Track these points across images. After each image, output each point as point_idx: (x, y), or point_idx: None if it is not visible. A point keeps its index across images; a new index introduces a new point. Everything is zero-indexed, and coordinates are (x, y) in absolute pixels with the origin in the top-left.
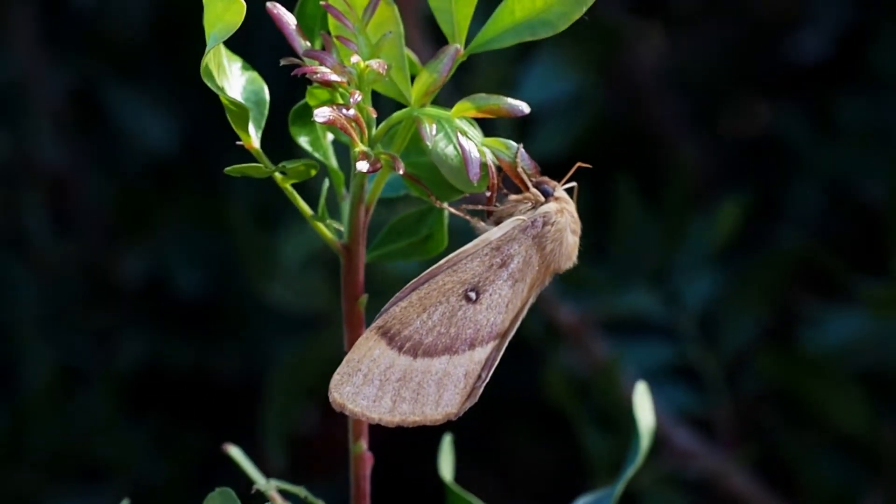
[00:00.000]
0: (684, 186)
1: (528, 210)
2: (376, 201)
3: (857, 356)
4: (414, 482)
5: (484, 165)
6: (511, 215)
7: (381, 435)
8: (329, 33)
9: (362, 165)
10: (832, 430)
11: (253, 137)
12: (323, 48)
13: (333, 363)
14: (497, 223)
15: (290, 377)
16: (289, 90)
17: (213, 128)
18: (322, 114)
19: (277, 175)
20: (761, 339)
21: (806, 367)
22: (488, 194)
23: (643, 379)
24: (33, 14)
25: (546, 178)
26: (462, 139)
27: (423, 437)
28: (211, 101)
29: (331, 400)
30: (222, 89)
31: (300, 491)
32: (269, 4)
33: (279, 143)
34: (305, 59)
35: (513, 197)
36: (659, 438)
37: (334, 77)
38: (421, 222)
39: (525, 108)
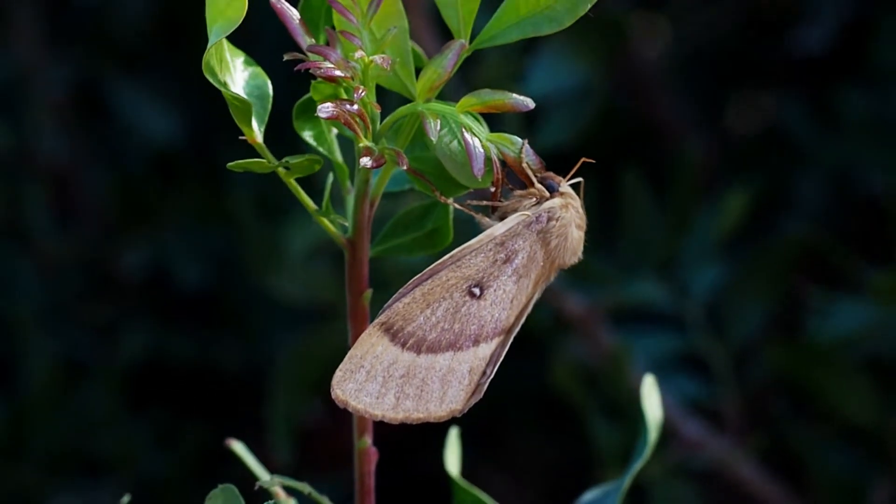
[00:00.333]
0: (690, 177)
1: (533, 205)
2: (381, 196)
3: (865, 345)
4: (420, 476)
5: (488, 161)
6: (516, 211)
7: (387, 429)
8: (333, 28)
9: (366, 161)
10: (840, 419)
11: (256, 132)
12: (327, 43)
13: (338, 356)
14: (501, 219)
15: (295, 370)
16: (293, 85)
17: (215, 121)
18: (326, 109)
19: (281, 170)
20: (768, 328)
21: (813, 356)
22: (493, 190)
23: (651, 369)
24: (36, 8)
25: (551, 174)
26: (466, 134)
27: (429, 431)
28: (213, 95)
29: (333, 397)
30: (225, 84)
31: (304, 487)
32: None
33: (283, 137)
34: (309, 54)
35: (517, 192)
36: (667, 428)
37: (338, 72)
38: (426, 217)
39: (530, 103)
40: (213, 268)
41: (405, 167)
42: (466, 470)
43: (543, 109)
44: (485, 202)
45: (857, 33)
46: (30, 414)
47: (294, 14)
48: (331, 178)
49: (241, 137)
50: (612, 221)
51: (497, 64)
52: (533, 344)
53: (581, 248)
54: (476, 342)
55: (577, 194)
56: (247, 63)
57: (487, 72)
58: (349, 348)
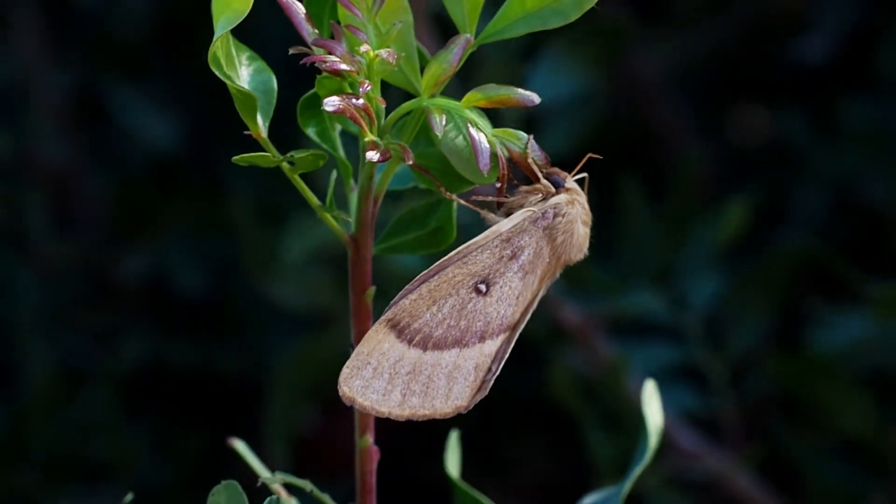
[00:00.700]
0: (690, 187)
1: (539, 201)
2: (385, 193)
3: (864, 358)
4: (420, 478)
5: (494, 156)
6: (521, 206)
7: (388, 430)
8: (338, 22)
9: (372, 155)
10: (838, 432)
11: (261, 127)
12: (332, 37)
13: (337, 362)
14: (507, 215)
15: (293, 376)
16: (295, 80)
17: (215, 127)
18: (332, 103)
19: (285, 165)
20: (767, 340)
21: (812, 368)
22: (498, 185)
23: (648, 380)
24: (36, 12)
25: (557, 169)
26: (472, 130)
27: (430, 433)
28: (214, 100)
29: (340, 393)
30: (230, 78)
31: (305, 485)
32: None
33: (284, 133)
34: (314, 48)
35: (523, 188)
36: (664, 439)
37: (343, 66)
38: (430, 214)
39: (536, 98)
40: (212, 274)
41: (411, 162)
42: (462, 478)
43: (543, 116)
44: (490, 198)
45: (859, 43)
46: (29, 419)
47: (299, 8)
48: (335, 174)
49: (245, 132)
50: (611, 230)
51: (497, 70)
52: (530, 353)
53: (587, 244)
54: (482, 339)
55: (583, 190)
56: (252, 58)
57: (488, 78)
58: (353, 346)
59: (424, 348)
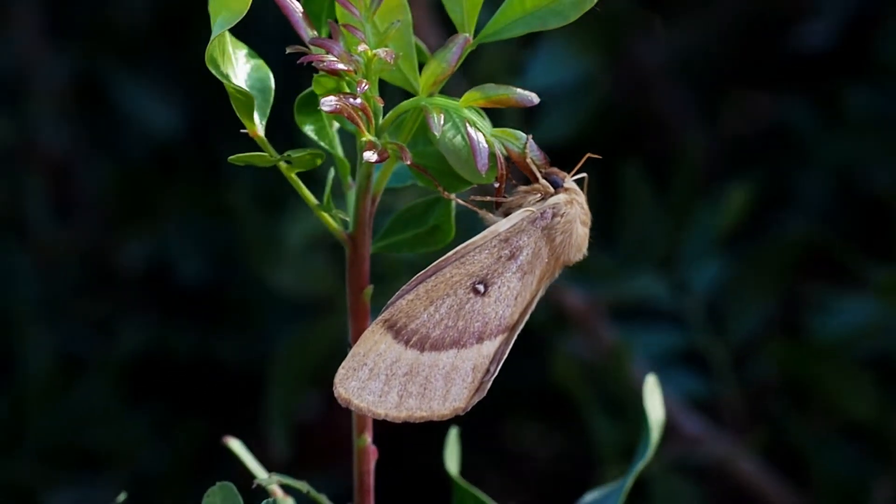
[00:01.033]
0: (692, 173)
1: (538, 201)
2: (382, 191)
3: (866, 343)
4: (420, 475)
5: (493, 156)
6: (520, 206)
7: (386, 428)
8: (336, 21)
9: (370, 155)
10: (841, 417)
11: (258, 126)
12: (330, 36)
13: (336, 349)
14: (506, 214)
15: (293, 363)
16: (294, 78)
17: (216, 114)
18: (329, 102)
19: (282, 164)
20: (769, 325)
21: (815, 353)
22: (497, 185)
23: (651, 365)
24: (37, 0)
25: (556, 169)
26: (470, 129)
27: (429, 430)
28: (214, 88)
29: (336, 395)
30: (227, 77)
31: (302, 486)
32: None
33: (282, 131)
34: (312, 47)
35: (522, 188)
36: (666, 425)
37: (341, 65)
38: (428, 213)
39: (535, 98)
40: (212, 261)
41: (409, 162)
42: (464, 467)
43: (543, 103)
44: (489, 198)
45: (861, 30)
46: (28, 408)
47: (297, 7)
48: (332, 173)
49: (242, 130)
50: (613, 216)
51: (496, 58)
52: (532, 339)
53: (586, 244)
54: (480, 340)
55: (582, 190)
56: (249, 56)
57: (487, 66)
58: (350, 345)
59: (422, 349)
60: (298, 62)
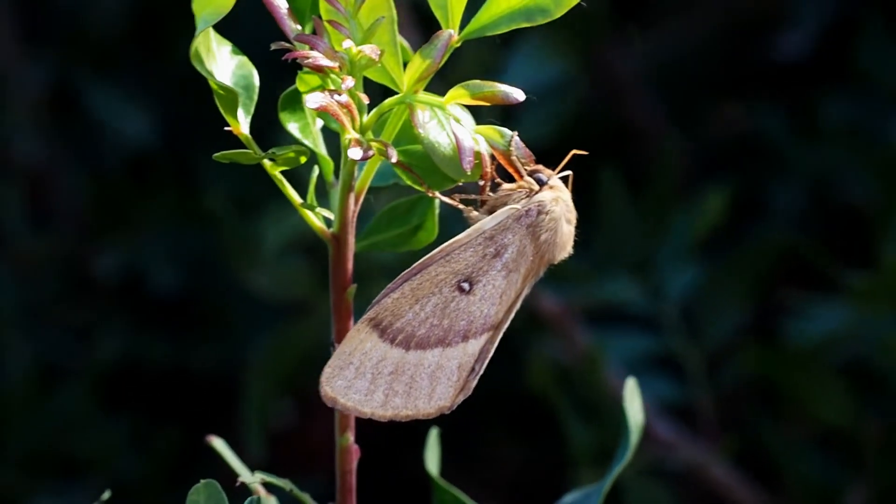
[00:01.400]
0: (668, 178)
1: (523, 199)
2: (366, 189)
3: (841, 348)
4: (400, 476)
5: (477, 154)
6: (505, 204)
7: (368, 428)
8: (320, 17)
9: (354, 153)
10: (815, 422)
11: (242, 123)
12: (314, 33)
13: (312, 353)
14: (490, 212)
15: (269, 367)
16: (278, 76)
17: (190, 121)
18: (314, 99)
19: (266, 162)
20: (744, 331)
21: (789, 359)
22: (481, 183)
23: (625, 370)
24: (10, 7)
25: (540, 167)
26: (455, 127)
27: (410, 430)
28: (189, 95)
29: (322, 394)
30: (211, 73)
31: (285, 484)
32: None
33: (263, 129)
34: (296, 43)
35: (506, 186)
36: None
37: (326, 62)
38: (411, 211)
39: (520, 95)
40: (188, 270)
41: (394, 160)
42: (440, 471)
43: (520, 105)
44: (473, 196)
45: (836, 39)
46: (6, 415)
47: (281, 2)
48: (316, 171)
49: (226, 128)
50: (589, 220)
51: (475, 58)
52: (507, 343)
53: (571, 242)
54: (465, 338)
55: (567, 188)
56: (233, 53)
57: (465, 65)
58: (334, 345)
59: (407, 348)
60: (283, 58)
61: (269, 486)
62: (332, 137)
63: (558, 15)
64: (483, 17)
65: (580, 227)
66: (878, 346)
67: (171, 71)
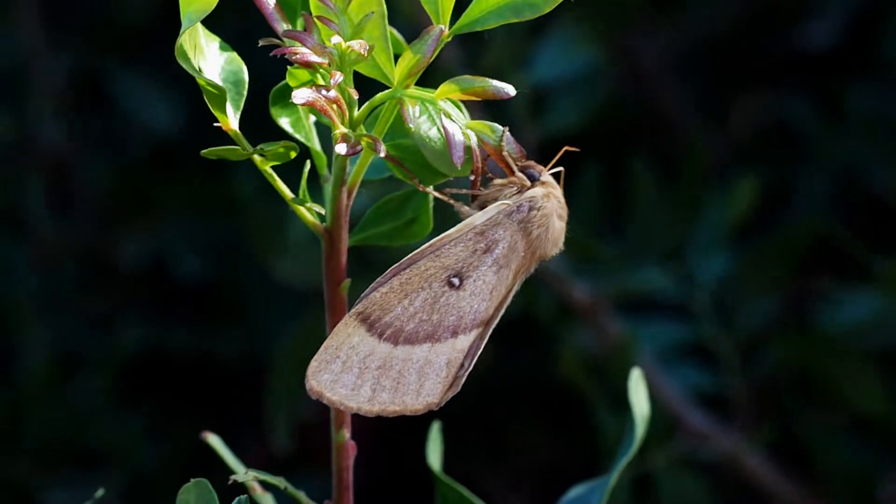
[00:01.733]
0: (698, 166)
1: (514, 194)
2: (359, 184)
3: (874, 336)
4: (404, 472)
5: (468, 149)
6: (496, 200)
7: (369, 424)
8: (310, 13)
9: (341, 148)
10: (849, 410)
11: (231, 119)
12: (304, 28)
13: None
14: (481, 208)
15: (294, 357)
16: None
17: None
18: (301, 95)
19: (257, 157)
20: (776, 319)
21: (822, 346)
22: (472, 178)
23: (658, 359)
24: None
25: (532, 163)
26: (446, 122)
27: (413, 426)
28: None
29: (307, 388)
30: (199, 70)
31: (280, 482)
32: None
33: (261, 123)
34: (285, 39)
35: (498, 181)
36: (674, 419)
37: (315, 58)
38: (405, 205)
39: (511, 90)
40: (212, 258)
41: (382, 154)
42: (465, 462)
43: (551, 93)
44: (464, 191)
45: (864, 28)
46: (25, 405)
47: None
48: (308, 165)
49: (215, 124)
50: (620, 209)
51: (503, 48)
52: (537, 332)
53: (563, 238)
54: (454, 334)
55: (559, 184)
56: (222, 48)
57: (494, 56)
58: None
59: (395, 342)
60: (272, 54)
61: (266, 484)
62: (325, 131)
63: (547, 10)
64: (473, 12)
65: (611, 215)
66: None
67: None
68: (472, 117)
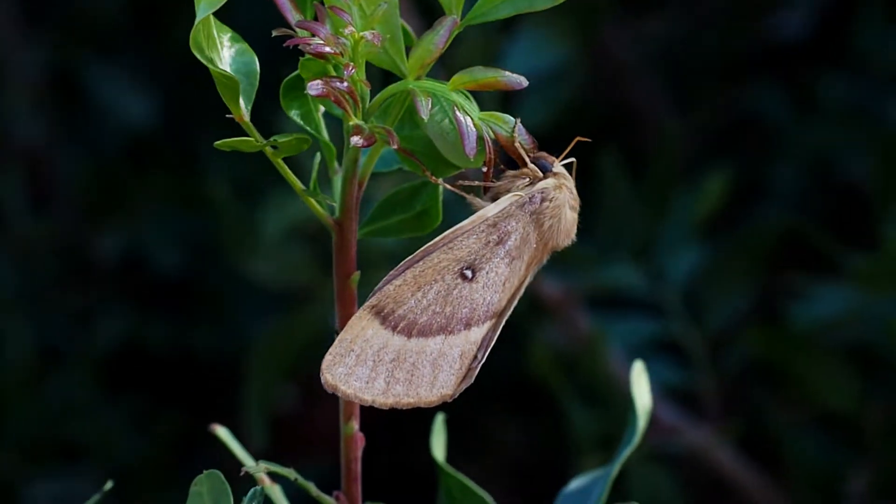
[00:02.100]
0: (669, 162)
1: (526, 186)
2: (369, 176)
3: (844, 331)
4: (406, 463)
5: (480, 139)
6: (508, 191)
7: (373, 416)
8: (322, 3)
9: (356, 140)
10: (818, 406)
11: (243, 110)
12: (316, 19)
13: (314, 339)
14: (494, 199)
15: (270, 354)
16: (280, 62)
17: (191, 104)
18: (315, 86)
19: (268, 149)
20: (746, 314)
21: (792, 342)
22: (485, 169)
23: (627, 354)
24: None
25: (544, 154)
26: (458, 113)
27: (415, 417)
28: (189, 77)
29: (322, 381)
30: (212, 61)
31: (290, 473)
32: None
33: (265, 116)
34: (298, 30)
35: (510, 172)
36: None
37: (327, 49)
38: (414, 198)
39: (524, 81)
40: (189, 253)
41: (396, 146)
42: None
43: (521, 91)
44: (476, 182)
45: (836, 19)
46: (5, 400)
47: None
48: (318, 158)
49: (227, 115)
50: (589, 205)
51: (475, 44)
52: (508, 329)
53: (574, 229)
54: (468, 326)
55: (570, 175)
56: (233, 40)
57: (465, 52)
58: (337, 332)
59: (409, 335)
60: (285, 45)
61: (273, 475)
62: (334, 124)
63: (561, 0)
64: (486, 2)
65: (581, 211)
66: (881, 328)
67: (172, 54)
68: None
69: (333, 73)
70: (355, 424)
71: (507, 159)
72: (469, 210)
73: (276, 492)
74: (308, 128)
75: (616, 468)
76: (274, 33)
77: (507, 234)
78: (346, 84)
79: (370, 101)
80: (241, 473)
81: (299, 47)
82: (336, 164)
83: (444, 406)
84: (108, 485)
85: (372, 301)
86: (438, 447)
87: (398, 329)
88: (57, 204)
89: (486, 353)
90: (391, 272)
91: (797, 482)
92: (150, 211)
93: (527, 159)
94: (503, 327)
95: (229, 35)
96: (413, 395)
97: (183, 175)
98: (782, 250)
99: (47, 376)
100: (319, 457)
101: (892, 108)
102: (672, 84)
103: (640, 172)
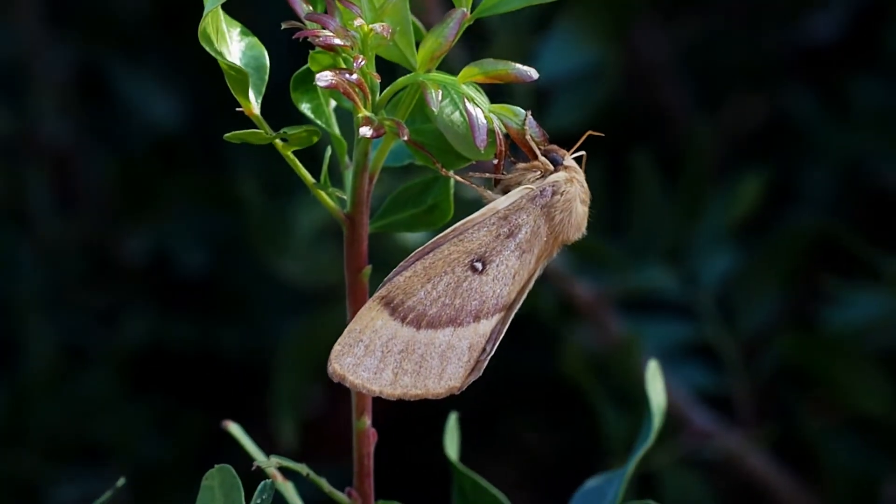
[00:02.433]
0: (702, 163)
1: (537, 179)
2: (380, 170)
3: (878, 335)
4: (420, 462)
5: (491, 132)
6: (519, 184)
7: (387, 413)
8: None
9: (366, 131)
10: (852, 410)
11: (253, 103)
12: (325, 11)
13: None
14: (504, 192)
15: (298, 353)
16: (290, 55)
17: (217, 104)
18: (324, 78)
19: (278, 142)
20: (780, 318)
21: (825, 346)
22: (495, 162)
23: (660, 358)
24: None
25: (555, 147)
26: (469, 105)
27: (429, 414)
28: (216, 77)
29: (330, 371)
30: (221, 54)
31: (302, 468)
32: None
33: (278, 110)
34: (307, 22)
35: (521, 165)
36: (677, 418)
37: (337, 41)
38: (426, 191)
39: (534, 73)
40: (215, 252)
41: (406, 138)
42: (468, 459)
43: (554, 90)
44: (487, 175)
45: (868, 22)
46: (30, 399)
47: None
48: (329, 151)
49: (237, 109)
50: (622, 207)
51: (508, 44)
52: (540, 330)
53: (585, 223)
54: (477, 318)
55: (581, 168)
56: (243, 33)
57: (498, 52)
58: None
59: (418, 327)
60: (294, 37)
61: (286, 471)
62: (345, 118)
63: None
64: None
65: (614, 212)
66: None
67: (199, 53)
68: None
69: (343, 66)
70: (367, 420)
71: (518, 152)
72: (480, 203)
73: (288, 489)
74: (318, 121)
75: (631, 467)
76: (283, 26)
77: (518, 226)
78: (355, 76)
79: (380, 93)
80: (253, 468)
81: (308, 39)
82: (347, 157)
83: (472, 405)
84: (121, 481)
85: (381, 292)
86: (452, 445)
87: (407, 320)
88: (83, 203)
89: (495, 346)
90: (401, 263)
91: (831, 487)
92: (177, 210)
93: (538, 152)
94: (533, 327)
95: (239, 29)
96: (421, 386)
97: (209, 174)
98: (815, 254)
99: (71, 376)
100: (345, 457)
101: None
102: (704, 86)
103: (672, 174)
